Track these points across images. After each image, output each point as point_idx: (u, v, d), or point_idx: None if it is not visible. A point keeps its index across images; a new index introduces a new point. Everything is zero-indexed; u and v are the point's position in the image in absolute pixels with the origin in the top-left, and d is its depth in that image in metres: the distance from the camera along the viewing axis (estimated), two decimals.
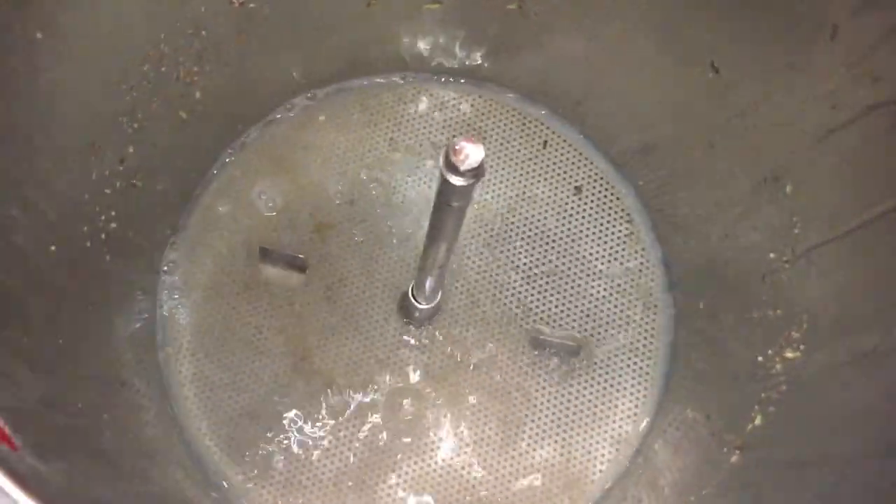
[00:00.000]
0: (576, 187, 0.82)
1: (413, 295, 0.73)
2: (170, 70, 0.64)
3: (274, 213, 0.78)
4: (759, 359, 0.58)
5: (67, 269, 0.53)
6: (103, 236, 0.61)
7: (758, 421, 0.54)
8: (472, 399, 0.74)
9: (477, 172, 0.50)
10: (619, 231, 0.81)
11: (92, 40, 0.53)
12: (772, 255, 0.61)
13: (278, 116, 0.82)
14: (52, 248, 0.51)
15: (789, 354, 0.54)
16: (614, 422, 0.74)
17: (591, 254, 0.80)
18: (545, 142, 0.83)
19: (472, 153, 0.49)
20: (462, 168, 0.50)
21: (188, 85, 0.67)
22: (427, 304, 0.73)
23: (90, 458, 0.42)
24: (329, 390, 0.73)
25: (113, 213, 0.62)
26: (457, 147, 0.50)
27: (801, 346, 0.54)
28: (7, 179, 0.48)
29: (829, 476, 0.41)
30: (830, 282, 0.53)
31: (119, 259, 0.64)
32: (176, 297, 0.75)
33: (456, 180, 0.51)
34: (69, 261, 0.54)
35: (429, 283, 0.69)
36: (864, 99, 0.51)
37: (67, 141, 0.54)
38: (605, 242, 0.80)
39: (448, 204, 0.54)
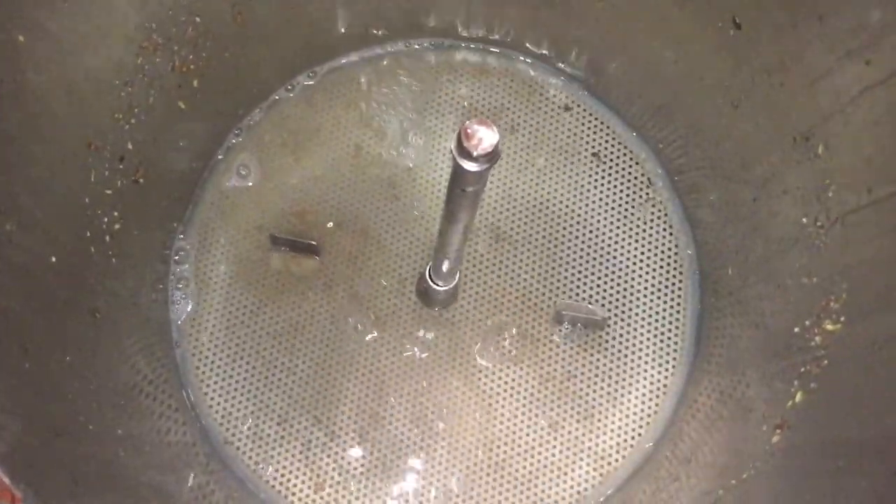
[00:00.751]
0: (594, 154, 0.79)
1: (430, 277, 0.71)
2: (164, 61, 0.61)
3: (283, 199, 0.76)
4: (796, 329, 0.56)
5: (70, 279, 0.51)
6: (107, 239, 0.59)
7: (798, 398, 0.52)
8: (496, 378, 0.72)
9: (491, 157, 0.48)
10: (640, 197, 0.78)
11: (79, 36, 0.51)
12: (804, 220, 0.58)
13: (281, 98, 0.79)
14: (53, 259, 0.49)
15: (829, 327, 0.52)
16: (643, 395, 0.72)
17: (612, 222, 0.77)
18: (566, 106, 0.80)
19: (485, 137, 0.47)
20: (475, 153, 0.47)
21: (185, 74, 0.65)
22: (445, 286, 0.71)
23: (102, 491, 0.40)
24: (352, 380, 0.71)
25: (116, 214, 0.60)
26: (469, 131, 0.47)
27: (842, 318, 0.51)
28: None
29: (881, 463, 0.39)
30: (870, 250, 0.50)
31: (125, 260, 0.62)
32: (188, 292, 0.73)
33: (469, 166, 0.48)
34: (71, 271, 0.52)
35: (446, 265, 0.67)
36: None
37: (62, 143, 0.51)
38: (626, 209, 0.77)
39: (462, 189, 0.52)
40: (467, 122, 0.47)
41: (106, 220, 0.59)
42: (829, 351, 0.51)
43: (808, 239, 0.57)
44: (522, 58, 0.81)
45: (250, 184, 0.76)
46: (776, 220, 0.62)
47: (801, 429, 0.49)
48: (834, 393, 0.49)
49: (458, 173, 0.50)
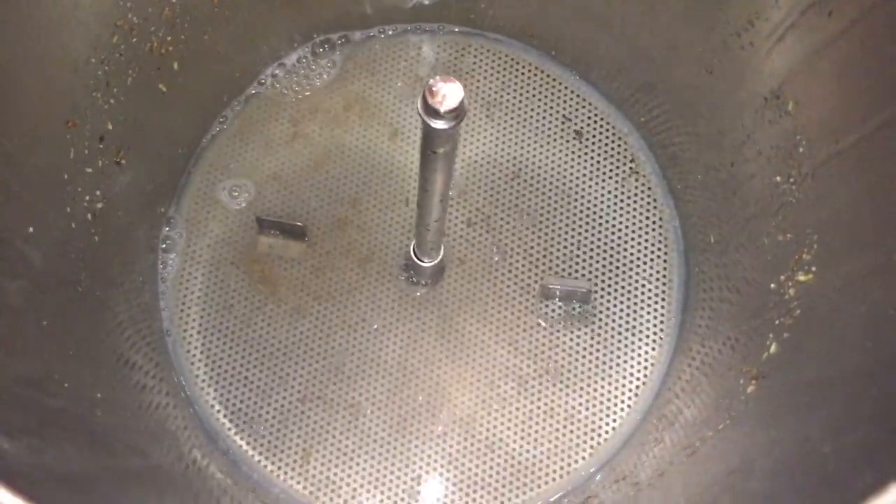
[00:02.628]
0: (576, 131, 0.80)
1: (415, 253, 0.71)
2: (141, 41, 0.62)
3: (271, 182, 0.77)
4: (772, 286, 0.56)
5: (48, 251, 0.52)
6: (89, 217, 0.60)
7: (773, 349, 0.52)
8: (484, 353, 0.72)
9: (458, 113, 0.48)
10: (624, 171, 0.78)
11: (52, 11, 0.51)
12: (778, 179, 0.58)
13: (266, 80, 0.80)
14: (30, 229, 0.50)
15: (802, 278, 0.52)
16: (632, 367, 0.72)
17: (596, 197, 0.77)
18: (548, 84, 0.81)
19: (449, 93, 0.47)
20: (442, 110, 0.48)
21: (163, 56, 0.65)
22: (430, 261, 0.72)
23: (72, 437, 0.41)
24: (341, 359, 0.72)
25: (97, 193, 0.61)
26: (434, 88, 0.48)
27: (813, 268, 0.51)
28: None
29: (841, 394, 0.39)
30: (838, 199, 0.50)
31: (109, 239, 0.63)
32: (177, 272, 0.74)
33: (437, 124, 0.49)
34: (51, 243, 0.52)
35: (428, 239, 0.67)
36: (861, 2, 0.48)
37: (38, 118, 0.52)
38: (610, 184, 0.78)
39: (433, 151, 0.52)
40: (431, 80, 0.47)
41: (88, 198, 0.60)
42: (802, 301, 0.51)
43: (783, 196, 0.58)
44: (501, 39, 0.82)
45: (236, 168, 0.77)
46: (753, 182, 0.62)
47: (774, 377, 0.50)
48: (804, 339, 0.49)
49: (427, 134, 0.50)
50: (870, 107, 0.47)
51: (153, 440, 0.52)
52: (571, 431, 0.71)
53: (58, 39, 0.52)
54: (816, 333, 0.47)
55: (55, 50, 0.52)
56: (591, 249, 0.76)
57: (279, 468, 0.69)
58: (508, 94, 0.81)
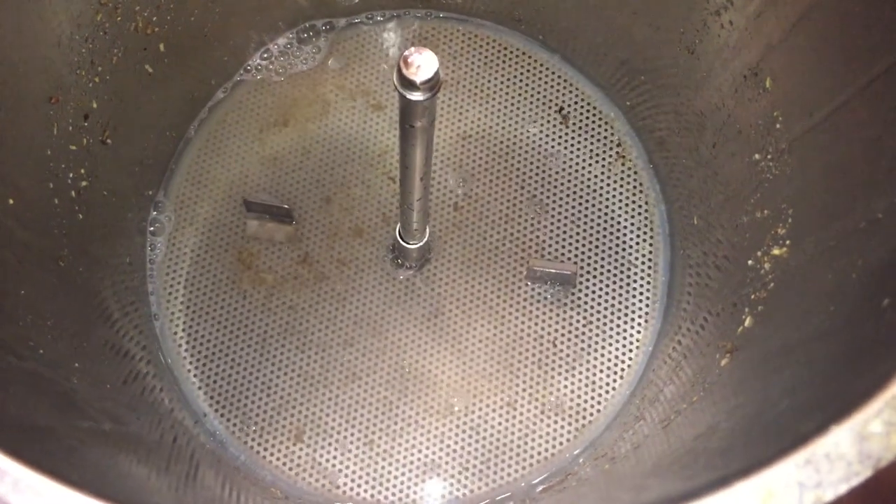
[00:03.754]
0: (563, 115, 0.80)
1: (400, 235, 0.72)
2: (126, 20, 0.63)
3: (260, 166, 0.77)
4: (750, 262, 0.56)
5: (29, 224, 0.52)
6: (73, 194, 0.60)
7: (748, 322, 0.52)
8: (471, 335, 0.73)
9: (433, 84, 0.49)
10: (610, 155, 0.79)
11: None
12: (757, 157, 0.58)
13: (254, 65, 0.80)
14: (10, 201, 0.50)
15: (776, 252, 0.52)
16: (618, 349, 0.73)
17: (581, 180, 0.78)
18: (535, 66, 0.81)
19: (423, 63, 0.48)
20: (418, 81, 0.48)
21: (149, 37, 0.66)
22: (416, 243, 0.72)
23: (41, 396, 0.41)
24: (328, 342, 0.72)
25: (82, 171, 0.62)
26: (409, 59, 0.48)
27: (787, 242, 0.52)
28: None
29: (802, 357, 0.40)
30: (812, 171, 0.50)
31: (95, 219, 0.63)
32: (165, 255, 0.74)
33: (414, 95, 0.49)
34: (32, 216, 0.53)
35: (412, 220, 0.68)
36: None
37: (19, 91, 0.52)
38: (597, 168, 0.78)
39: (411, 125, 0.53)
40: (406, 52, 0.48)
41: (71, 175, 0.60)
42: (776, 274, 0.51)
43: (761, 174, 0.58)
44: (485, 23, 0.82)
45: (225, 152, 0.77)
46: (733, 162, 0.63)
47: (747, 349, 0.50)
48: (778, 310, 0.49)
49: (404, 106, 0.51)
50: (841, 79, 0.48)
51: (132, 411, 0.53)
52: (557, 414, 0.71)
53: (38, 12, 0.52)
54: (787, 304, 0.47)
55: (35, 23, 0.52)
56: (578, 233, 0.76)
57: (268, 450, 0.69)
58: (495, 78, 0.81)
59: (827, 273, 0.43)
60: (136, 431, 0.50)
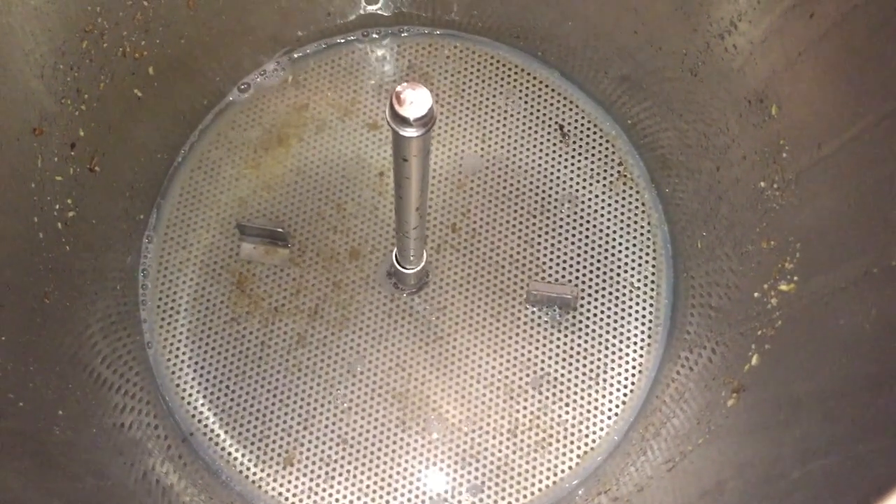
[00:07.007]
0: (563, 133, 0.78)
1: (397, 259, 0.70)
2: (113, 46, 0.61)
3: (253, 188, 0.75)
4: (756, 294, 0.55)
5: (13, 263, 0.50)
6: (59, 226, 0.59)
7: (755, 361, 0.51)
8: (470, 360, 0.71)
9: (426, 121, 0.47)
10: (612, 175, 0.77)
11: (10, 18, 0.50)
12: (762, 184, 0.57)
13: (245, 86, 0.78)
14: None
15: (784, 287, 0.51)
16: (620, 374, 0.71)
17: (583, 201, 0.76)
18: (535, 88, 0.79)
19: (417, 100, 0.46)
20: (411, 118, 0.47)
21: (137, 61, 0.64)
22: (412, 269, 0.70)
23: (18, 461, 0.39)
24: (325, 368, 0.71)
25: (69, 201, 0.60)
26: (401, 95, 0.46)
27: (795, 278, 0.50)
28: None
29: (814, 414, 0.38)
30: (821, 206, 0.49)
31: (82, 249, 0.62)
32: (158, 281, 0.73)
33: (407, 132, 0.47)
34: (15, 253, 0.51)
35: (409, 247, 0.66)
36: (842, 5, 0.47)
37: (1, 125, 0.51)
38: (598, 188, 0.76)
39: (404, 159, 0.51)
40: (398, 87, 0.46)
41: (58, 206, 0.58)
42: (783, 311, 0.50)
43: (767, 202, 0.56)
44: (483, 40, 0.80)
45: (217, 175, 0.76)
46: (738, 188, 0.61)
47: (754, 390, 0.48)
48: (786, 351, 0.47)
49: (396, 142, 0.49)
50: (852, 112, 0.46)
51: (116, 455, 0.51)
52: (558, 440, 0.69)
53: (21, 46, 0.51)
54: (796, 346, 0.46)
55: (17, 57, 0.51)
56: (579, 254, 0.74)
57: (262, 476, 0.68)
58: (493, 95, 0.79)
59: (838, 318, 0.41)
60: (119, 483, 0.48)
